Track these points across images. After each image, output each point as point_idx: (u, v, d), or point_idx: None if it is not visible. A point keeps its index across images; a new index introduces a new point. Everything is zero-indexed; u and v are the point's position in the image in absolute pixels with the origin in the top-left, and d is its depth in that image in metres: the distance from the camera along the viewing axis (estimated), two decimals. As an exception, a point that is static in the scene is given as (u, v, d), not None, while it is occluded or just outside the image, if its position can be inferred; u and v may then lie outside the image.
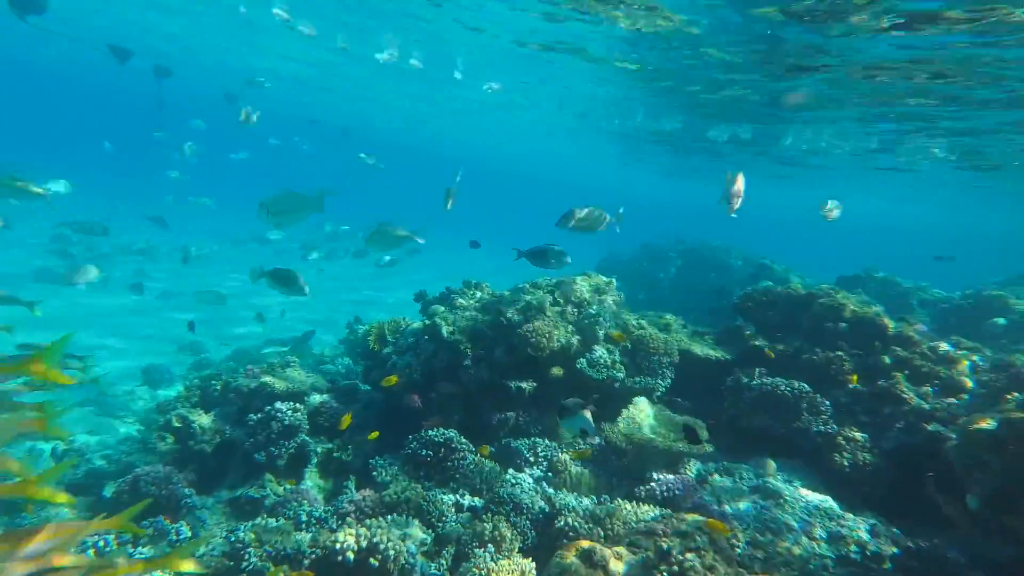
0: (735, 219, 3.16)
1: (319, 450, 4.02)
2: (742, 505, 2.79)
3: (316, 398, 4.33)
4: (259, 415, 3.85)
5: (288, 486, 3.83)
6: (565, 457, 3.26)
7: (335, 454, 4.02)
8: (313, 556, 2.63)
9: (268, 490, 3.68)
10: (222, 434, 3.82)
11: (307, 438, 3.94)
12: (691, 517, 2.12)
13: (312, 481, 3.91)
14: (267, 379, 4.01)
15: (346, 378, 5.43)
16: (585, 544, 1.98)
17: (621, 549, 1.94)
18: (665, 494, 2.74)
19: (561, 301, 3.88)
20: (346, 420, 3.82)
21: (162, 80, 6.69)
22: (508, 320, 3.82)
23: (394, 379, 3.96)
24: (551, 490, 3.10)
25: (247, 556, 2.78)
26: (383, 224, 3.47)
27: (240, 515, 3.57)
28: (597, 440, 3.24)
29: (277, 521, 3.28)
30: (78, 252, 8.06)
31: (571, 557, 1.88)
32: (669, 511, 2.51)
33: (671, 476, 2.87)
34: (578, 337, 3.72)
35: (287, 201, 4.11)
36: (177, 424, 3.83)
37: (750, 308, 4.48)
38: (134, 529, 1.78)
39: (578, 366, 3.61)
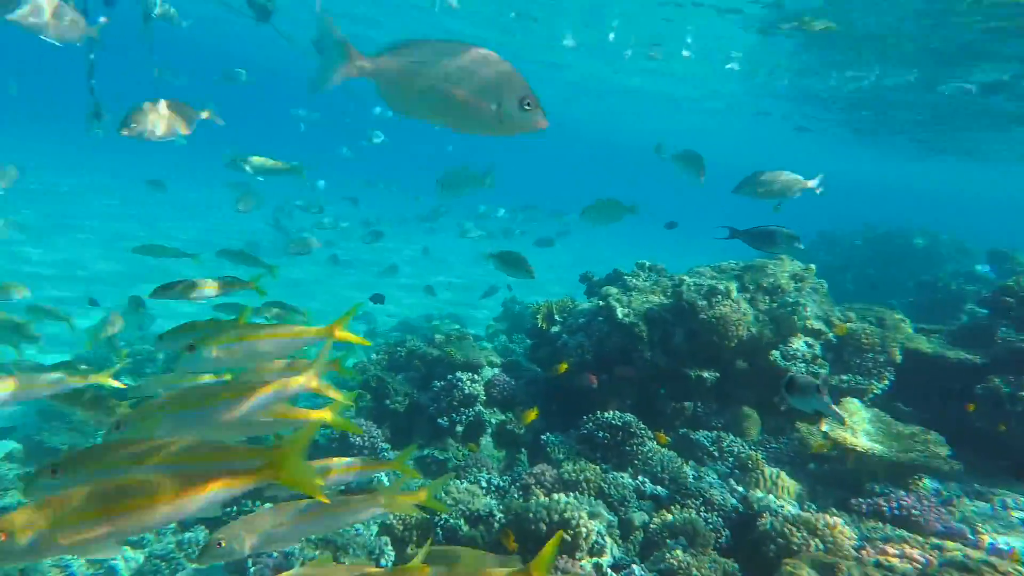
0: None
1: (493, 421, 4.21)
2: (1013, 540, 2.32)
3: (488, 371, 4.53)
4: (442, 383, 4.13)
5: (466, 451, 4.08)
6: (756, 455, 3.01)
7: (508, 426, 4.17)
8: (504, 520, 2.75)
9: (450, 453, 3.95)
10: (411, 397, 4.17)
11: (482, 408, 4.15)
12: (976, 554, 1.79)
13: (487, 451, 4.11)
14: (450, 349, 4.27)
15: (503, 355, 5.62)
16: (825, 559, 1.78)
17: (873, 572, 1.71)
18: (897, 512, 2.38)
19: (751, 287, 3.57)
20: (531, 414, 3.93)
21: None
22: (690, 304, 3.62)
23: (563, 366, 3.98)
24: (741, 488, 2.88)
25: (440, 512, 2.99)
26: (605, 199, 3.48)
27: (427, 473, 3.88)
28: (833, 429, 2.86)
29: (462, 483, 3.49)
30: (290, 226, 9.39)
31: (806, 571, 1.70)
32: (907, 533, 2.17)
33: (902, 492, 2.49)
34: (771, 327, 3.40)
35: (460, 176, 4.46)
36: (374, 384, 4.25)
37: (1008, 304, 3.72)
38: (409, 471, 1.96)
39: (771, 358, 3.31)
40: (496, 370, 4.59)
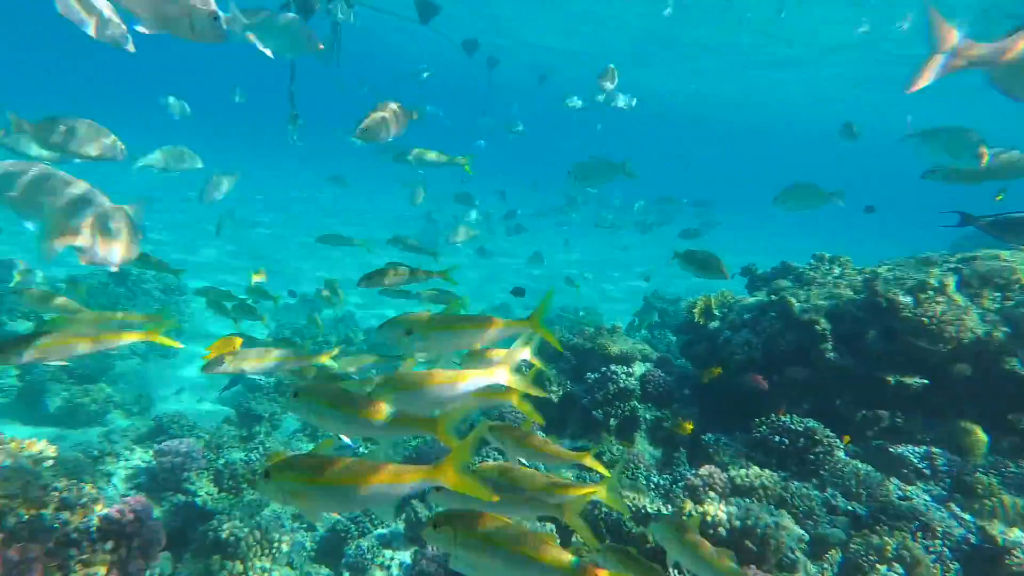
0: None
1: (648, 416, 4.07)
2: None
3: (640, 366, 4.39)
4: (596, 375, 4.08)
5: (620, 446, 3.99)
6: (988, 479, 2.55)
7: (665, 423, 4.01)
8: (677, 522, 2.61)
9: (604, 447, 3.89)
10: (564, 387, 4.17)
11: (637, 403, 4.03)
12: None
13: (642, 446, 3.99)
14: (603, 341, 4.21)
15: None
16: None
17: None
18: None
19: (974, 282, 3.03)
20: (688, 426, 3.76)
21: (492, 69, 7.66)
22: (888, 301, 3.16)
23: (716, 371, 3.73)
24: (969, 516, 2.46)
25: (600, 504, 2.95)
26: (803, 183, 3.20)
27: (581, 465, 3.86)
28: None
29: (627, 479, 3.41)
30: (440, 219, 10.01)
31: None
32: None
33: None
34: (1005, 329, 2.85)
35: (594, 167, 4.50)
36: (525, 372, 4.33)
37: None
38: (599, 466, 1.97)
39: (1007, 366, 2.77)
40: (649, 365, 4.43)
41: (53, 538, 1.53)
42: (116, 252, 1.90)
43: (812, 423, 3.08)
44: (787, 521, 2.53)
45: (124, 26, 1.83)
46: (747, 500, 2.77)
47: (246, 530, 2.61)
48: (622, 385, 3.94)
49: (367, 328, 7.01)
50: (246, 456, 3.64)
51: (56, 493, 1.59)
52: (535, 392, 1.80)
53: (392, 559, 2.96)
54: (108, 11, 1.86)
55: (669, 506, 2.92)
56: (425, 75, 7.56)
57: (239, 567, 2.53)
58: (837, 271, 3.72)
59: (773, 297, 3.76)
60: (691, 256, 3.13)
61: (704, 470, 3.27)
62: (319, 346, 5.78)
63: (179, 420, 3.97)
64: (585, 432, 4.05)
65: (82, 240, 1.72)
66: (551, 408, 4.17)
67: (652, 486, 3.41)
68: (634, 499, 2.96)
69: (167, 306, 5.64)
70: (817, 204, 3.22)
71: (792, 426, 3.13)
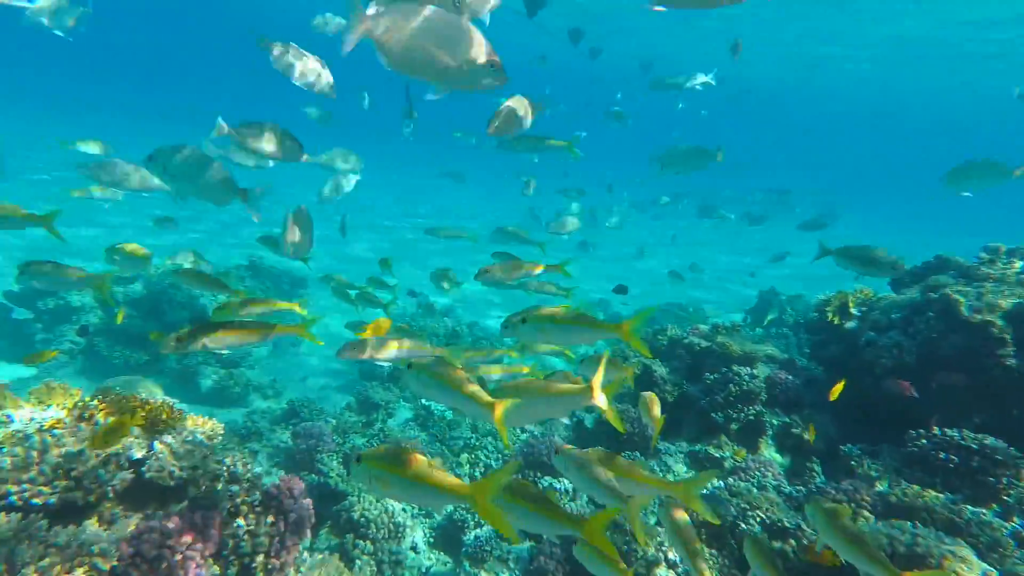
0: None
1: (775, 422, 3.77)
2: None
3: (764, 368, 4.07)
4: (715, 375, 3.84)
5: (744, 452, 3.73)
6: None
7: (794, 430, 3.69)
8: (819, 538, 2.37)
9: (726, 452, 3.65)
10: (680, 387, 3.97)
11: (763, 408, 3.74)
12: None
13: (768, 453, 3.70)
14: (723, 340, 3.95)
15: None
16: None
17: None
18: None
19: None
20: (811, 433, 3.45)
21: (595, 59, 7.48)
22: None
23: (840, 386, 3.34)
24: None
25: (728, 508, 2.75)
26: (979, 159, 2.84)
27: (700, 469, 3.66)
28: None
29: (747, 484, 3.18)
30: (542, 215, 10.07)
31: None
32: None
33: None
34: None
35: (680, 153, 4.28)
36: (637, 371, 4.17)
37: None
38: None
39: None
40: (773, 366, 4.10)
41: (225, 508, 1.67)
42: (303, 248, 2.32)
43: (992, 440, 2.66)
44: (966, 551, 2.20)
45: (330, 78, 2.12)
46: (908, 524, 2.46)
47: (375, 512, 2.74)
48: (745, 387, 3.67)
49: (470, 323, 7.17)
50: (367, 442, 3.84)
51: (225, 467, 1.74)
52: (619, 427, 1.74)
53: (509, 552, 2.98)
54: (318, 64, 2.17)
55: (805, 524, 2.66)
56: (543, 60, 7.48)
57: (370, 547, 2.66)
58: (1020, 265, 3.19)
59: (931, 295, 3.31)
60: (850, 252, 2.79)
61: (847, 484, 2.95)
62: (429, 337, 5.99)
63: (309, 405, 4.28)
64: (702, 435, 3.83)
65: (290, 236, 2.06)
66: (664, 408, 3.98)
67: (784, 497, 3.14)
68: (768, 511, 2.74)
69: (302, 299, 6.10)
70: (996, 180, 2.77)
71: (964, 442, 2.73)
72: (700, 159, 4.28)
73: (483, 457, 3.95)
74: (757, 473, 3.38)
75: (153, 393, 2.76)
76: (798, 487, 3.26)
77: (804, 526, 2.58)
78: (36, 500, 1.37)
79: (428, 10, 1.57)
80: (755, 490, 3.12)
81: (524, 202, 7.99)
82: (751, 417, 3.67)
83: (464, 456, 3.98)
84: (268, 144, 2.13)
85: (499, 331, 1.97)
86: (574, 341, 1.99)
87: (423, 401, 4.66)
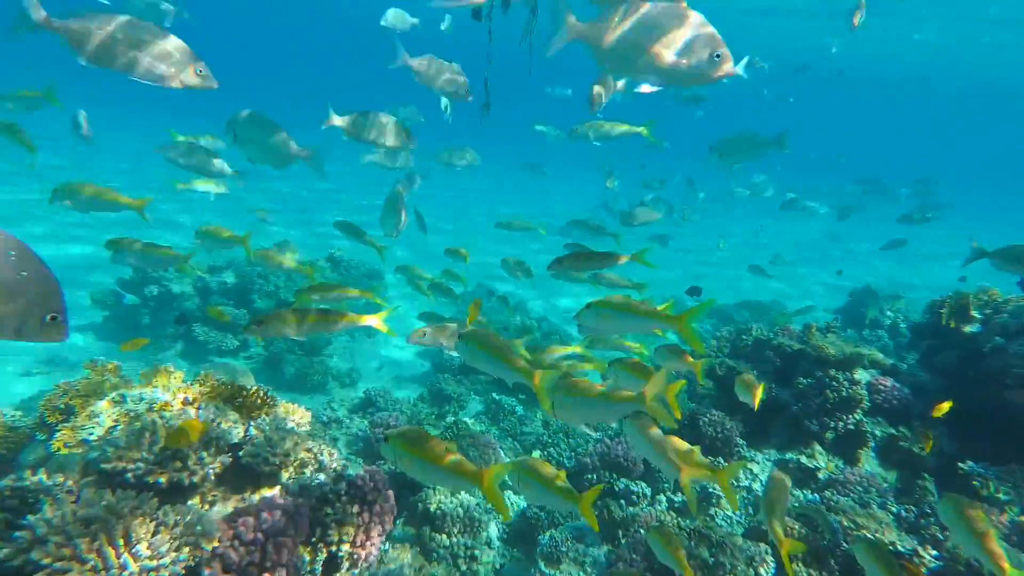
0: None
1: (878, 433, 3.45)
2: None
3: (865, 373, 3.73)
4: (809, 380, 3.55)
5: (838, 463, 3.44)
6: None
7: (901, 443, 3.35)
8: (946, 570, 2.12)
9: (821, 462, 3.38)
10: (768, 392, 3.71)
11: (864, 417, 3.42)
12: None
13: (869, 467, 3.38)
14: (818, 342, 3.65)
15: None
16: None
17: None
18: None
19: None
20: (927, 443, 3.11)
21: None
22: None
23: (946, 406, 2.96)
24: None
25: (831, 525, 2.52)
26: None
27: (793, 481, 3.40)
28: None
29: (850, 502, 2.91)
30: (615, 206, 9.86)
31: None
32: None
33: None
34: None
35: (738, 142, 4.16)
36: (721, 372, 3.95)
37: None
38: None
39: None
40: (875, 372, 3.75)
41: (314, 496, 1.70)
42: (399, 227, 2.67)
43: None
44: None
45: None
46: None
47: (451, 505, 2.74)
48: (845, 394, 3.37)
49: (539, 318, 7.10)
50: (440, 434, 3.86)
51: (313, 455, 1.77)
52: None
53: (585, 555, 2.89)
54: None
55: (925, 546, 2.39)
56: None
57: (446, 540, 2.66)
58: None
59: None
60: (1012, 253, 2.42)
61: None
62: (500, 328, 5.98)
63: (384, 395, 4.38)
64: (793, 443, 3.56)
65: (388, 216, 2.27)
66: (750, 412, 3.74)
67: (892, 516, 2.85)
68: (876, 531, 2.49)
69: (375, 288, 6.28)
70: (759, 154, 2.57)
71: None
72: (758, 148, 4.14)
73: (555, 454, 3.88)
74: (858, 488, 3.10)
75: (247, 379, 2.89)
76: (907, 506, 2.96)
77: (921, 551, 2.32)
78: (148, 478, 1.44)
79: (645, 5, 1.50)
80: (858, 507, 2.86)
81: (604, 194, 7.81)
82: (851, 427, 3.37)
83: (536, 453, 3.93)
84: (382, 134, 2.18)
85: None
86: (633, 329, 2.09)
87: (494, 395, 4.65)
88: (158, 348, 5.24)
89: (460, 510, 2.75)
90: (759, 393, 2.53)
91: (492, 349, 1.67)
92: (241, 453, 1.62)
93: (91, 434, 1.89)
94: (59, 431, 1.88)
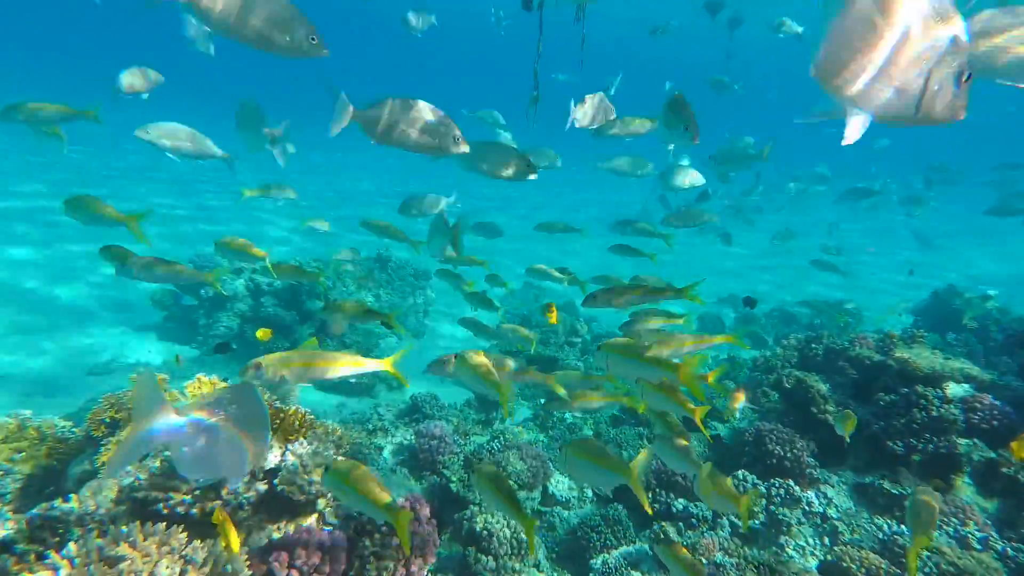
0: None
1: (975, 457, 3.06)
2: None
3: (957, 388, 3.33)
4: (893, 396, 3.21)
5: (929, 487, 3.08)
6: None
7: (1003, 469, 2.96)
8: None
9: (907, 489, 3.03)
10: (844, 407, 3.37)
11: (959, 438, 3.05)
12: None
13: (967, 495, 3.01)
14: (901, 353, 3.29)
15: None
16: None
17: None
18: None
19: None
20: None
21: (734, 31, 6.73)
22: None
23: None
24: None
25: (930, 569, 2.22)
26: None
27: (870, 506, 3.08)
28: None
29: (945, 538, 2.58)
30: (653, 209, 9.51)
31: None
32: None
33: None
34: None
35: (732, 153, 4.69)
36: (789, 385, 3.63)
37: None
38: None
39: None
40: (969, 387, 3.35)
41: (352, 527, 1.59)
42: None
43: None
44: None
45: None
46: None
47: (498, 525, 2.60)
48: (935, 414, 3.01)
49: (589, 317, 6.87)
50: (488, 443, 3.73)
51: (354, 482, 1.66)
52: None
53: (642, 584, 2.69)
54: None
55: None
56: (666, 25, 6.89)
57: (492, 563, 2.52)
58: None
59: None
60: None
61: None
62: (547, 336, 5.80)
63: (430, 401, 4.29)
64: (874, 466, 3.22)
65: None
66: (825, 430, 3.41)
67: (996, 555, 2.51)
68: (972, 569, 2.17)
69: (396, 309, 6.20)
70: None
71: None
72: (746, 159, 4.64)
73: (607, 468, 3.67)
74: (954, 520, 2.76)
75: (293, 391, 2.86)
76: (1015, 543, 2.60)
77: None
78: (180, 509, 1.37)
79: None
80: (955, 543, 2.53)
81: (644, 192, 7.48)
82: (942, 450, 3.00)
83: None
84: (501, 168, 2.11)
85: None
86: (640, 375, 2.04)
87: (542, 401, 4.48)
88: (210, 350, 5.37)
89: (507, 531, 2.61)
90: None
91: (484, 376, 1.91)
92: (276, 481, 1.53)
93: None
94: (103, 446, 1.85)
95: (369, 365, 1.67)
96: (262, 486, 1.50)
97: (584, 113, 2.91)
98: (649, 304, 2.74)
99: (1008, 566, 2.46)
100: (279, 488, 1.51)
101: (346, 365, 1.61)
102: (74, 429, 2.21)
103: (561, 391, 2.21)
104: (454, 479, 3.09)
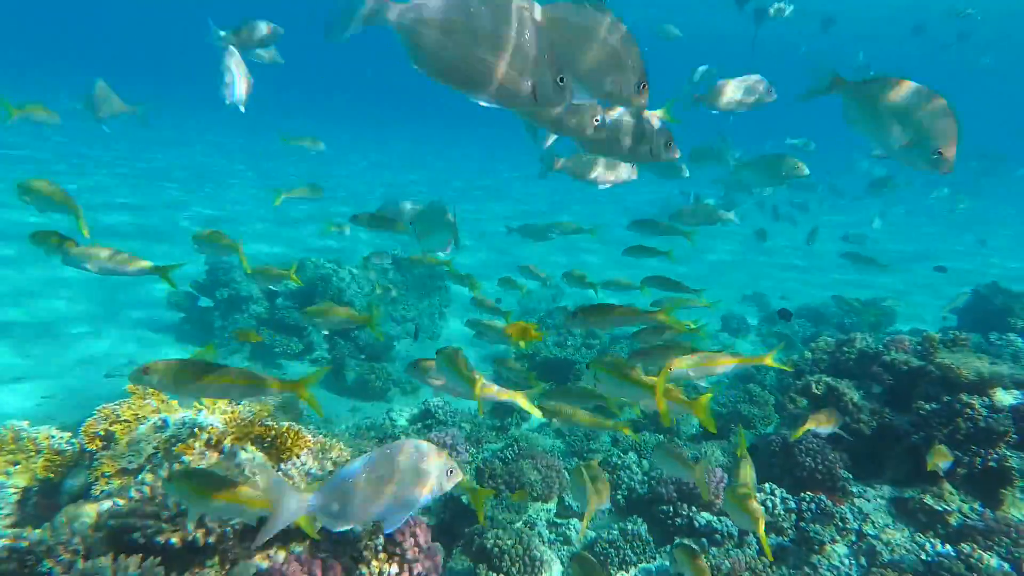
0: None
1: (1027, 472, 2.83)
2: None
3: (1006, 395, 3.09)
4: (935, 405, 2.99)
5: (975, 506, 2.86)
6: None
7: (1059, 486, 2.73)
8: None
9: (953, 505, 2.82)
10: (879, 416, 3.17)
11: (1008, 451, 2.82)
12: None
13: (1019, 514, 2.79)
14: (943, 359, 3.06)
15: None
16: None
17: None
18: None
19: None
20: None
21: (760, 24, 6.45)
22: None
23: None
24: None
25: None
26: None
27: (910, 521, 2.87)
28: None
29: (996, 560, 2.37)
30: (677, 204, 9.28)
31: None
32: None
33: None
34: None
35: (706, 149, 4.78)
36: (817, 391, 3.43)
37: None
38: None
39: None
40: (1021, 393, 3.11)
41: (347, 553, 1.48)
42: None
43: None
44: None
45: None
46: None
47: (510, 543, 2.48)
48: (983, 424, 2.79)
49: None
50: (502, 451, 3.60)
51: (350, 504, 1.55)
52: None
53: (663, 604, 2.54)
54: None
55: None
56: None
57: (504, 581, 2.40)
58: None
59: None
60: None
61: None
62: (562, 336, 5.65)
63: (443, 406, 4.19)
64: (915, 479, 3.01)
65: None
66: (862, 441, 3.20)
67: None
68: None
69: (374, 309, 6.07)
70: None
71: None
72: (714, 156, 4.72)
73: (625, 478, 3.52)
74: (1006, 540, 2.54)
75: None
76: (1074, 570, 2.37)
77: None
78: (159, 538, 1.27)
79: None
80: (1008, 568, 2.32)
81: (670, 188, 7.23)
82: (992, 463, 2.78)
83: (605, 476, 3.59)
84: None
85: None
86: (628, 397, 1.96)
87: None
88: (227, 351, 5.35)
89: (519, 547, 2.49)
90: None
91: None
92: (263, 508, 1.44)
93: (131, 463, 1.77)
94: (97, 460, 1.77)
95: (271, 385, 1.41)
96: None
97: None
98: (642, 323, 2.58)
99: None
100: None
101: (244, 384, 1.37)
102: (72, 440, 2.15)
103: (532, 409, 1.97)
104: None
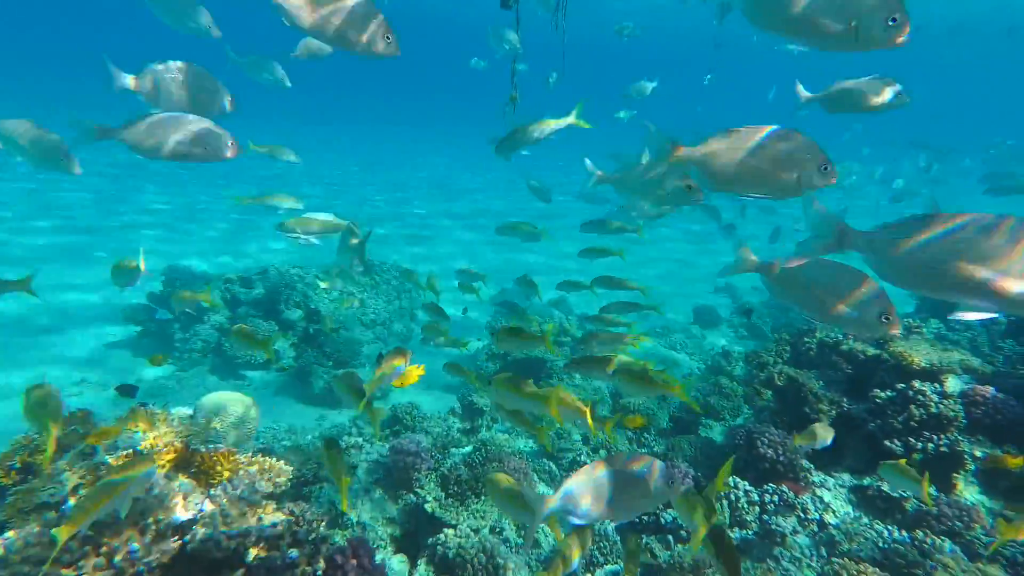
0: None
1: (978, 454, 2.90)
2: None
3: (957, 381, 3.16)
4: (890, 393, 3.03)
5: (931, 491, 2.91)
6: None
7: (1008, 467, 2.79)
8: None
9: (906, 491, 2.86)
10: (837, 406, 3.21)
11: (959, 435, 2.88)
12: None
13: (970, 496, 2.85)
14: (897, 348, 3.12)
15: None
16: None
17: None
18: None
19: None
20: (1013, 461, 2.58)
21: (724, 17, 6.45)
22: None
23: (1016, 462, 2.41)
24: None
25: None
26: None
27: (870, 509, 2.92)
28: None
29: (950, 545, 2.42)
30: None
31: None
32: None
33: None
34: None
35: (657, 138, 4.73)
36: (781, 383, 3.46)
37: None
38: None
39: None
40: (970, 378, 3.18)
41: (285, 579, 1.42)
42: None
43: None
44: None
45: None
46: None
47: (473, 551, 2.44)
48: (934, 410, 2.84)
49: (581, 314, 6.69)
50: (469, 456, 3.56)
51: (287, 528, 1.49)
52: None
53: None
54: None
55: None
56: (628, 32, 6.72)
57: (466, 591, 2.36)
58: None
59: None
60: None
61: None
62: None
63: (411, 411, 4.12)
64: (872, 466, 3.05)
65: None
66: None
67: (1005, 562, 2.35)
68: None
69: (271, 336, 5.94)
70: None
71: None
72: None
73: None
74: (956, 522, 2.59)
75: (244, 411, 2.69)
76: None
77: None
78: (68, 580, 1.19)
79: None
80: (959, 552, 2.37)
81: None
82: (942, 448, 2.84)
83: (573, 475, 3.57)
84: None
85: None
86: (525, 408, 2.18)
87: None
88: (188, 363, 5.20)
89: (482, 555, 2.45)
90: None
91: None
92: (187, 539, 1.36)
93: (52, 495, 1.67)
94: (12, 495, 1.67)
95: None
96: (172, 544, 1.33)
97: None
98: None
99: (1020, 575, 2.30)
100: (190, 548, 1.33)
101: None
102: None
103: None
104: (429, 498, 2.92)
